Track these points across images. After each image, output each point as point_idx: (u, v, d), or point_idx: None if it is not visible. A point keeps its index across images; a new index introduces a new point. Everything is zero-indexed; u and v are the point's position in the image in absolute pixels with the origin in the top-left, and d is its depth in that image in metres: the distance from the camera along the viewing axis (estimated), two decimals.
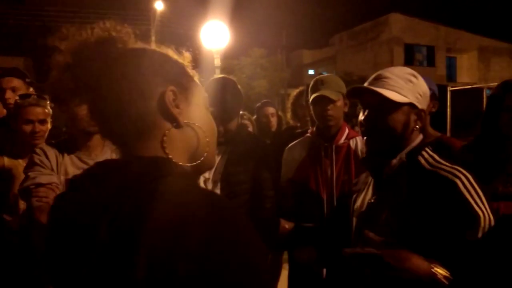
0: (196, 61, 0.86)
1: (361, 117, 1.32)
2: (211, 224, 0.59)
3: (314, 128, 2.27)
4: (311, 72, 28.35)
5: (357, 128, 3.11)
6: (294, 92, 3.33)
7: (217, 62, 8.09)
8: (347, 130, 2.20)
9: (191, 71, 0.82)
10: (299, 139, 2.34)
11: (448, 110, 7.38)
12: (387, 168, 1.28)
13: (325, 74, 2.31)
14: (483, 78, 21.22)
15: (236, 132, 2.01)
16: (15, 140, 2.11)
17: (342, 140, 2.16)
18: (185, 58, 0.83)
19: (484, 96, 7.15)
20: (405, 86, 1.25)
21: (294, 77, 24.49)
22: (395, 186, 1.26)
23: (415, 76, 1.29)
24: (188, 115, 0.76)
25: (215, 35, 8.03)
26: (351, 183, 2.10)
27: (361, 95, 1.32)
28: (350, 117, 3.34)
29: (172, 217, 0.59)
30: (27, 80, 2.63)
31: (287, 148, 2.35)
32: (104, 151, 1.83)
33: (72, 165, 1.76)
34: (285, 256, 3.61)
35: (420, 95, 1.28)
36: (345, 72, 22.30)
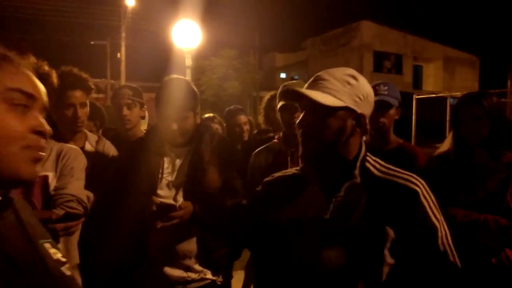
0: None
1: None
2: None
3: (281, 134, 2.26)
4: (283, 75, 28.54)
5: None
6: (267, 96, 3.30)
7: (188, 61, 7.96)
8: None
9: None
10: (265, 145, 2.32)
11: (413, 117, 7.58)
12: (348, 182, 1.17)
13: (294, 81, 2.30)
14: (447, 87, 22.00)
15: (195, 132, 1.90)
16: None
17: None
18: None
19: (448, 105, 7.39)
20: (342, 89, 1.14)
21: (266, 79, 24.58)
22: (351, 194, 1.16)
23: (355, 78, 1.16)
24: None
25: (187, 34, 7.91)
26: None
27: (299, 98, 1.19)
28: None
29: None
30: None
31: (253, 153, 2.33)
32: None
33: None
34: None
35: (360, 98, 1.15)
36: None
